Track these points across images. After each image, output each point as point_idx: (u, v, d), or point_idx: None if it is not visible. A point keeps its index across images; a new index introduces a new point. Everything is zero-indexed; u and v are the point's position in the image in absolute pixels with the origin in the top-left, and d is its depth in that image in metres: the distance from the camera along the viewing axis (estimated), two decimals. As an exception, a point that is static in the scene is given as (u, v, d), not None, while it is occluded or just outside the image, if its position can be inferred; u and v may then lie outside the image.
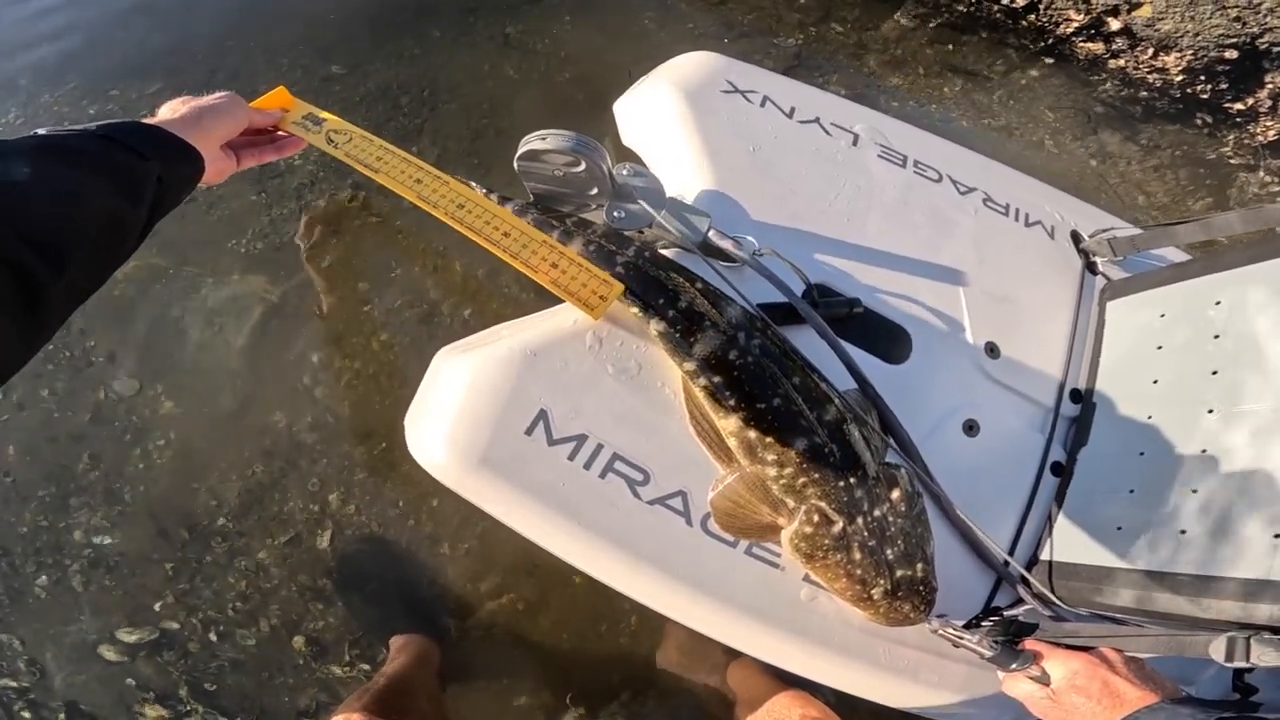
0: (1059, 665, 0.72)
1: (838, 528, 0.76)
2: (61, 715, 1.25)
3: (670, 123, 1.07)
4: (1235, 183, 1.86)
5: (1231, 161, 1.88)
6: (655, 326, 0.83)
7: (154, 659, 1.28)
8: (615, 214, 0.92)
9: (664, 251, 0.94)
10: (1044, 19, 1.96)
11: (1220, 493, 0.74)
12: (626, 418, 0.84)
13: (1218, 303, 0.87)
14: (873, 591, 0.77)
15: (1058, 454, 0.94)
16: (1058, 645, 0.76)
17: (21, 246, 0.49)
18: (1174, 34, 1.80)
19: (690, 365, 0.81)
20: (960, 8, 2.04)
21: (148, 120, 0.73)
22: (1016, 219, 1.12)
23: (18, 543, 1.34)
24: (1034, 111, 1.96)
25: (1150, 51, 1.87)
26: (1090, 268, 1.10)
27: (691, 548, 0.83)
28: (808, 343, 0.85)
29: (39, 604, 1.31)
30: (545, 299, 0.87)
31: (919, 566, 0.78)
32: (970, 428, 0.93)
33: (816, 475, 0.76)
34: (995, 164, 1.22)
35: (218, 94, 0.82)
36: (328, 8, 1.91)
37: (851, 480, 0.77)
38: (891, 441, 0.83)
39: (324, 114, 0.96)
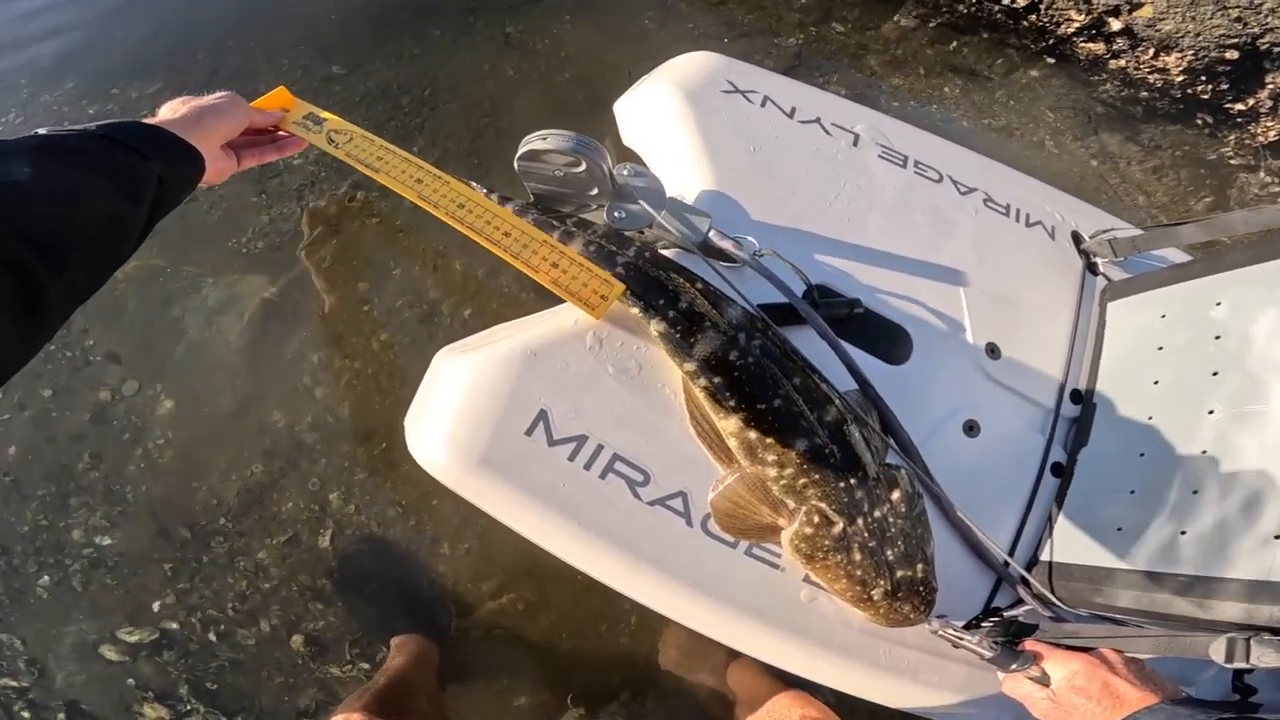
0: (1059, 666, 0.72)
1: (838, 528, 0.76)
2: (61, 715, 1.26)
3: (671, 123, 1.07)
4: (1236, 183, 1.86)
5: (1232, 162, 1.88)
6: (656, 327, 0.83)
7: (154, 659, 1.28)
8: (616, 214, 0.92)
9: (664, 252, 0.94)
10: (1045, 19, 1.96)
11: (1221, 494, 0.74)
12: (627, 418, 0.84)
13: (1219, 303, 0.87)
14: (873, 592, 0.77)
15: (1058, 455, 0.94)
16: (1058, 646, 0.76)
17: (21, 246, 0.49)
18: (1175, 34, 1.80)
19: (690, 366, 0.81)
20: (961, 8, 2.04)
21: (148, 120, 0.73)
22: (1017, 219, 1.12)
23: (18, 542, 1.35)
24: (1034, 112, 1.95)
25: (1151, 52, 1.87)
26: (1091, 268, 1.10)
27: (692, 548, 0.83)
28: (808, 343, 0.85)
29: (39, 604, 1.31)
30: (545, 299, 0.87)
31: (919, 567, 0.78)
32: (971, 428, 0.93)
33: (817, 476, 0.76)
34: (996, 164, 1.21)
35: (218, 94, 0.82)
36: (328, 8, 1.91)
37: (852, 481, 0.77)
38: (892, 442, 0.83)
39: (325, 114, 0.96)
